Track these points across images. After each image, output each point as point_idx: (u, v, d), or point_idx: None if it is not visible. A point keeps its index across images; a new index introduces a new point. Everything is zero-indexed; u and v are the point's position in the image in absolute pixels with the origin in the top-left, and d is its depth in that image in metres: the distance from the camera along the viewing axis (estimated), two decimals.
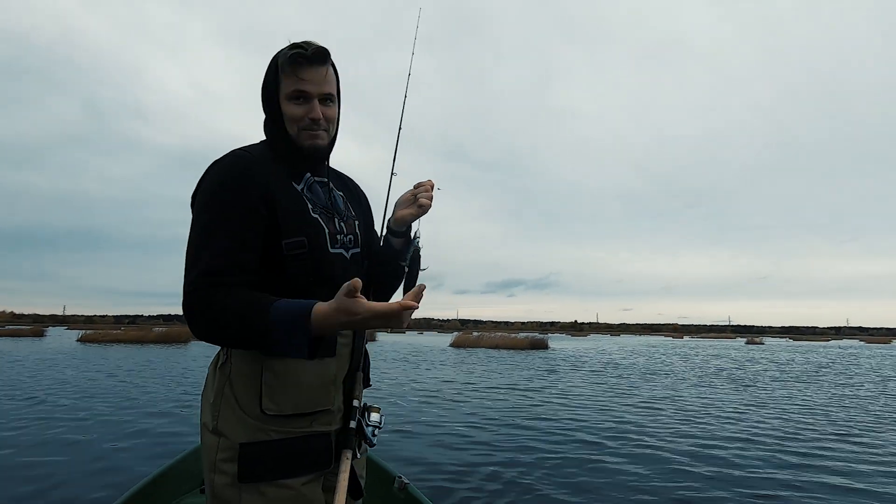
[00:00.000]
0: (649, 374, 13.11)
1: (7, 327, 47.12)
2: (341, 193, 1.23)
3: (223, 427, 1.01)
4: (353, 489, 1.09)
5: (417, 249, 1.22)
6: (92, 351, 18.87)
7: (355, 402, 1.11)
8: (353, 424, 1.09)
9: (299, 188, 1.11)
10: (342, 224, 1.15)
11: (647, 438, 5.32)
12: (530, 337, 28.45)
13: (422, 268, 1.24)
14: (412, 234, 1.23)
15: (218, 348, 1.09)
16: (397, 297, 1.27)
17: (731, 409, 7.35)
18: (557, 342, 39.08)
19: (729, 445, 5.05)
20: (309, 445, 1.03)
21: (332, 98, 1.12)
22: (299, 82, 1.06)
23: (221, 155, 1.07)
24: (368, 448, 1.17)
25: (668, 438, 5.33)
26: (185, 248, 1.00)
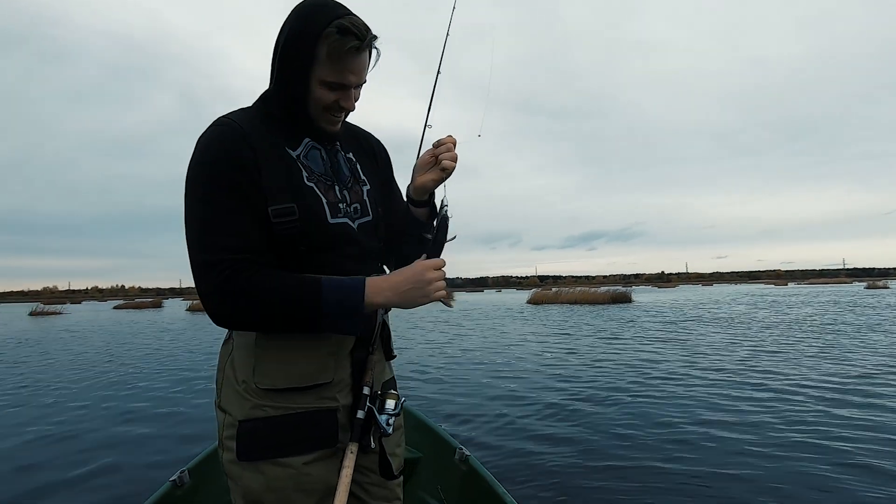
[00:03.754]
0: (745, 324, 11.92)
1: (136, 300, 54.53)
2: (349, 155, 1.11)
3: (225, 403, 1.00)
4: (384, 469, 1.07)
5: (446, 219, 1.06)
6: (194, 318, 20.89)
7: (366, 389, 1.02)
8: (360, 415, 1.00)
9: (295, 154, 1.01)
10: (345, 192, 1.05)
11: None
12: (611, 290, 27.28)
13: (449, 238, 1.07)
14: (440, 203, 1.08)
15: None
16: None
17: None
18: (642, 295, 37.32)
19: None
20: (309, 422, 0.98)
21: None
22: (344, 74, 0.95)
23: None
24: (388, 428, 1.02)
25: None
26: (186, 223, 0.93)
